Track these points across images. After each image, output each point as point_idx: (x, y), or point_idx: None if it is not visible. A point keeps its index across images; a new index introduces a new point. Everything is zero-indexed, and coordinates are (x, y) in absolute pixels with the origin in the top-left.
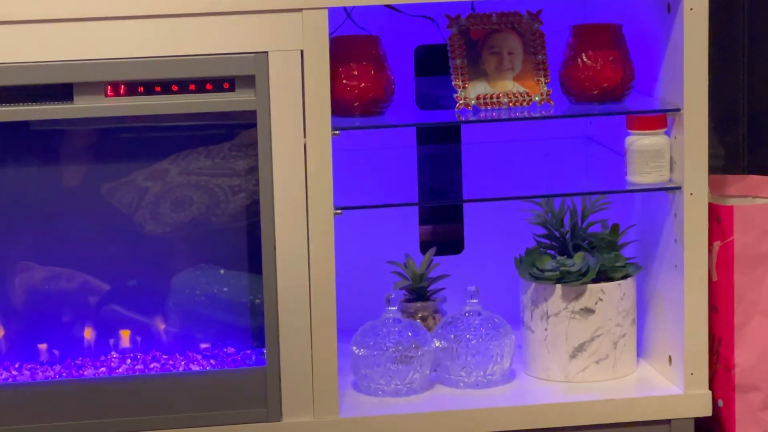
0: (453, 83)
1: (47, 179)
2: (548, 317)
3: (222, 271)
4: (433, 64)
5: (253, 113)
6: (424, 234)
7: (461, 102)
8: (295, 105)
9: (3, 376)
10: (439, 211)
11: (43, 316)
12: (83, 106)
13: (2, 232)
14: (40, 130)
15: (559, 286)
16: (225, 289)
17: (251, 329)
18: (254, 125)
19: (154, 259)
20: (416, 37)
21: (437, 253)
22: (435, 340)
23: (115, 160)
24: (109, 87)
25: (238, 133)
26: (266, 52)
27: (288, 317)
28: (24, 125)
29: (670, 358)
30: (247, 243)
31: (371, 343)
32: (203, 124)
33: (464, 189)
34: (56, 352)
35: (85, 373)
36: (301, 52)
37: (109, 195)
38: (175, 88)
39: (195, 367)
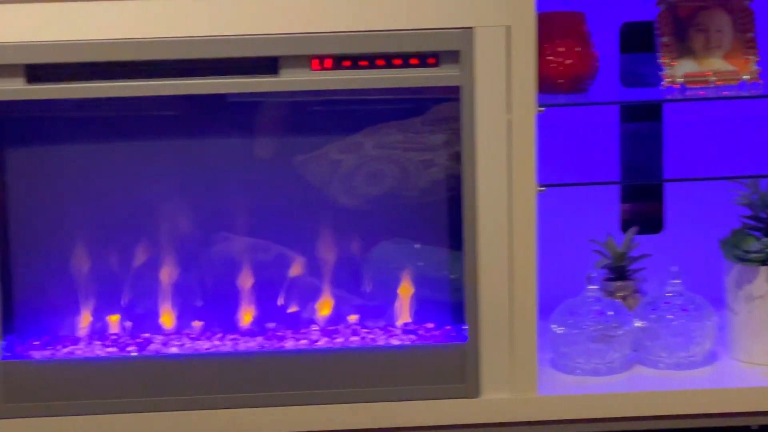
0: (660, 61)
1: (243, 151)
2: (753, 299)
3: (417, 246)
4: (637, 41)
5: (454, 89)
6: (625, 212)
7: (668, 80)
8: (500, 81)
9: (206, 347)
10: (640, 189)
11: (241, 287)
12: (288, 80)
13: (202, 203)
14: (236, 102)
15: (764, 268)
16: (420, 263)
17: (450, 305)
18: (451, 99)
19: (349, 232)
20: (621, 13)
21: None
22: (635, 319)
23: (310, 133)
24: (314, 60)
25: (435, 107)
26: (472, 28)
27: (488, 294)
28: (221, 97)
29: None
30: (444, 218)
31: (570, 321)
32: (401, 98)
33: (665, 168)
34: (256, 323)
35: (286, 345)
36: (507, 28)
37: (302, 168)
38: (380, 62)
39: (395, 342)
